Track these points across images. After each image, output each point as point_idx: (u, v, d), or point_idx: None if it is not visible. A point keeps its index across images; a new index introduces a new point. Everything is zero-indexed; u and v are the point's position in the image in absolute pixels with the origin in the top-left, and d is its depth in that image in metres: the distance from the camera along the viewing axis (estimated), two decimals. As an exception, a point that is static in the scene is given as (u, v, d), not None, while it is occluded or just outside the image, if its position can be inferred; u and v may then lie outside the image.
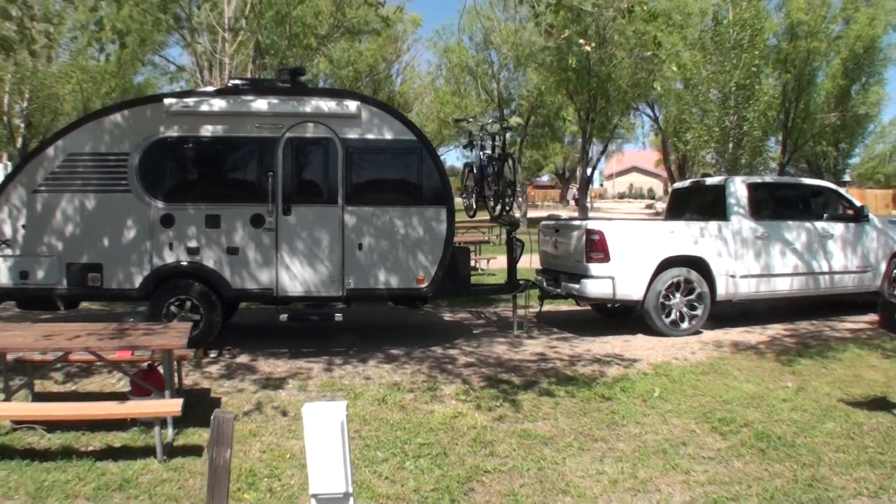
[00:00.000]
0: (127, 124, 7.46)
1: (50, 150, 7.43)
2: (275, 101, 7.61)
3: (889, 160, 48.31)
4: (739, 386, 6.67)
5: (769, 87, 24.16)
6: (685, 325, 8.82)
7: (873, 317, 9.47)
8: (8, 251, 7.35)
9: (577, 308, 10.62)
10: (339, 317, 7.79)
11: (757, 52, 17.51)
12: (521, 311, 9.36)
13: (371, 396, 6.25)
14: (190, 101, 7.53)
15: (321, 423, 3.09)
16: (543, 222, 10.56)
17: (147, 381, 5.41)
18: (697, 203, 10.30)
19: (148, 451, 4.86)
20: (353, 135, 7.71)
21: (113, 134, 7.44)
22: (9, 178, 7.53)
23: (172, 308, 7.49)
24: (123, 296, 7.60)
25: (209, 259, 7.50)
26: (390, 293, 7.97)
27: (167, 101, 7.52)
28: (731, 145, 17.38)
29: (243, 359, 7.41)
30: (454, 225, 8.11)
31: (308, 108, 7.63)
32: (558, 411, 5.96)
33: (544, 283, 9.68)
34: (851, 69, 28.68)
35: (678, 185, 11.26)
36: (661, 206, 46.18)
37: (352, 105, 7.69)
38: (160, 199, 7.47)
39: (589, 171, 34.80)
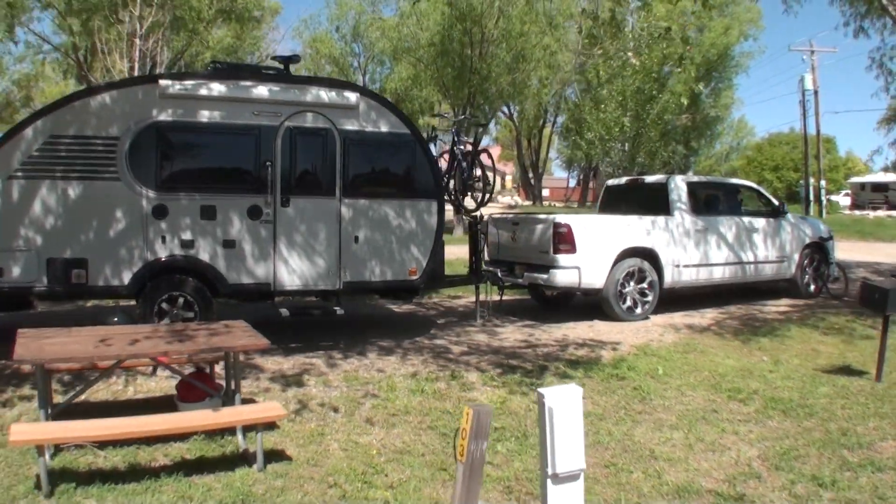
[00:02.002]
0: (117, 106, 6.85)
1: (28, 132, 6.62)
2: (276, 88, 7.34)
3: (726, 159, 53.46)
4: (724, 361, 7.39)
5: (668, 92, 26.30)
6: (638, 310, 9.53)
7: (794, 300, 10.79)
8: None
9: (517, 297, 11.17)
10: (340, 311, 7.66)
11: (654, 58, 18.94)
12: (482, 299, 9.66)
13: (405, 388, 6.29)
14: (188, 83, 7.07)
15: (561, 405, 3.23)
16: (494, 215, 10.93)
17: (193, 385, 5.13)
18: (634, 199, 11.06)
19: (225, 461, 4.63)
20: (350, 126, 7.61)
21: (101, 116, 6.79)
22: None
23: (164, 305, 7.02)
24: (111, 293, 7.05)
25: (204, 253, 7.11)
26: (385, 285, 7.98)
27: (163, 82, 7.00)
28: (627, 146, 18.67)
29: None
30: (444, 218, 8.24)
31: (308, 98, 7.43)
32: (588, 391, 6.31)
33: (499, 274, 10.05)
34: (704, 74, 31.44)
35: (612, 182, 12.02)
36: (517, 200, 48.16)
37: (352, 96, 7.60)
38: (152, 189, 6.94)
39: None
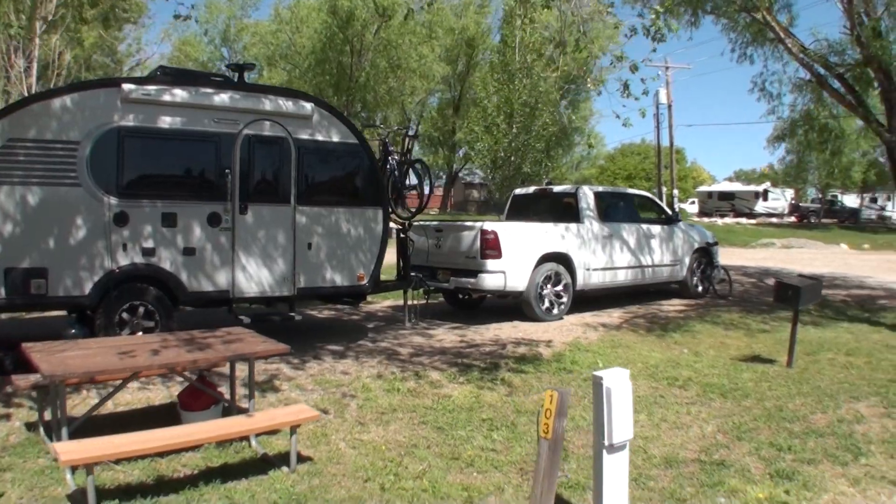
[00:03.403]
0: (78, 109, 6.64)
1: None
2: (236, 96, 7.39)
3: (576, 168, 56.62)
4: (650, 354, 8.27)
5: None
6: (555, 311, 10.33)
7: (685, 301, 12.05)
8: None
9: (430, 301, 11.70)
10: (298, 317, 7.80)
11: (541, 74, 20.09)
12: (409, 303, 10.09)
13: (379, 388, 6.61)
14: (151, 88, 6.97)
15: (616, 386, 3.78)
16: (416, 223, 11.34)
17: (198, 393, 5.19)
18: (542, 207, 11.90)
19: (250, 466, 4.75)
20: (304, 135, 7.80)
21: (61, 119, 6.56)
22: None
23: (125, 315, 6.88)
24: (72, 303, 6.77)
25: (165, 261, 7.04)
26: (336, 291, 8.20)
27: (126, 86, 6.86)
28: (512, 157, 19.67)
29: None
30: (388, 225, 8.58)
31: (266, 106, 7.54)
32: (545, 384, 6.92)
33: (421, 278, 10.50)
34: (564, 87, 33.40)
35: (519, 190, 12.80)
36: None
37: (307, 106, 7.79)
38: (113, 195, 6.80)
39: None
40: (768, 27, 9.47)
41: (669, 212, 12.45)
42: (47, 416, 5.14)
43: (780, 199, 47.67)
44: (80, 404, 5.75)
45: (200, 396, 5.16)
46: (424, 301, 10.52)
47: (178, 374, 5.18)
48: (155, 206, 7.00)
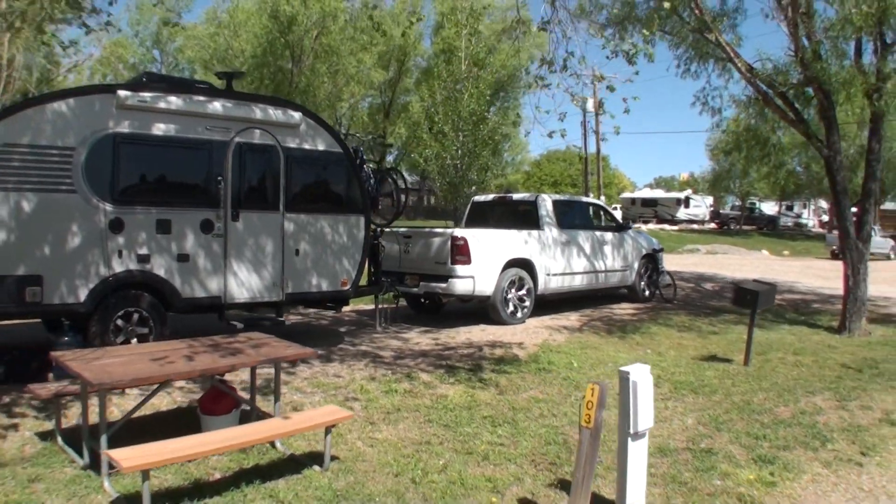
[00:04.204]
0: (73, 115, 6.59)
1: None
2: (228, 104, 7.47)
3: (502, 174, 57.70)
4: (617, 354, 8.76)
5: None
6: (519, 314, 10.74)
7: (633, 304, 12.66)
8: None
9: (393, 305, 11.96)
10: (288, 322, 7.91)
11: (488, 82, 20.54)
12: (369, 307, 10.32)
13: (377, 390, 6.83)
14: (146, 95, 6.97)
15: (641, 380, 4.18)
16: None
17: (220, 398, 5.30)
18: (501, 214, 12.32)
19: (280, 466, 4.89)
20: (292, 144, 7.95)
21: (56, 125, 6.50)
22: None
23: (119, 322, 6.86)
24: (68, 311, 6.66)
25: (160, 267, 7.06)
26: (321, 296, 8.36)
27: (122, 93, 6.84)
28: (459, 164, 20.06)
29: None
30: (370, 232, 8.80)
31: (257, 115, 7.65)
32: (529, 383, 7.29)
33: (391, 283, 10.75)
34: (493, 93, 34.04)
35: (478, 198, 13.19)
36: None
37: (295, 115, 7.93)
38: (108, 202, 6.78)
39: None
40: (719, 47, 10.16)
41: (620, 220, 13.07)
42: (62, 424, 5.17)
43: (700, 206, 49.96)
44: (73, 411, 5.75)
45: (222, 401, 5.25)
46: (394, 305, 10.76)
47: (215, 378, 5.25)
48: (150, 212, 7.02)
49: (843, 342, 10.15)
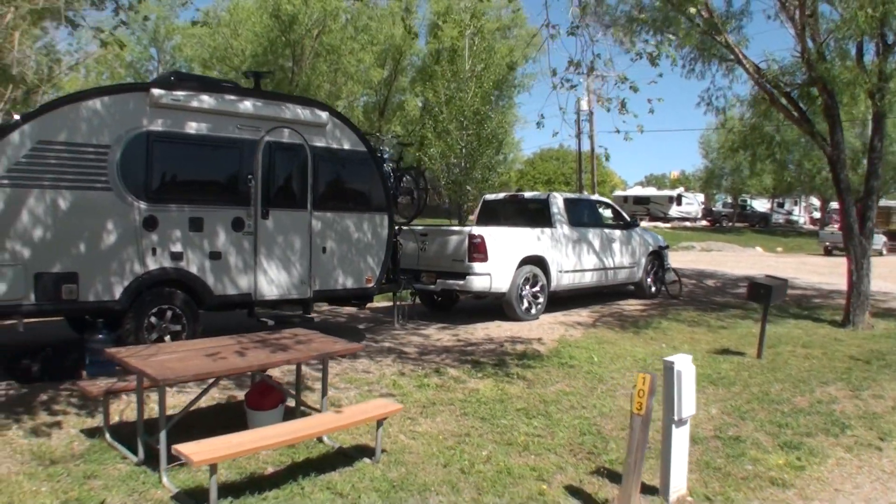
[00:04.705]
0: (108, 113, 6.65)
1: (14, 136, 6.20)
2: (259, 103, 7.59)
3: (507, 172, 58.02)
4: (634, 349, 8.95)
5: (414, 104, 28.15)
6: (533, 311, 10.94)
7: (640, 300, 12.87)
8: None
9: (410, 303, 12.13)
10: (316, 319, 8.05)
11: (491, 81, 20.72)
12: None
13: (409, 385, 6.98)
14: (180, 93, 7.05)
15: (685, 369, 4.37)
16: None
17: (267, 393, 5.41)
18: (513, 212, 12.50)
19: (331, 459, 5.00)
20: (319, 143, 8.08)
21: (92, 123, 6.55)
22: None
23: (153, 319, 6.97)
24: (102, 308, 6.72)
25: (193, 265, 7.17)
26: (347, 293, 8.50)
27: (155, 91, 6.91)
28: (463, 162, 20.24)
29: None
30: (394, 230, 8.95)
31: (286, 114, 7.78)
32: (555, 377, 7.47)
33: (408, 281, 10.92)
34: (487, 93, 34.26)
35: (489, 196, 13.36)
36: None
37: (323, 114, 8.07)
38: (143, 200, 6.87)
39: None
40: (728, 48, 10.38)
41: (627, 217, 13.29)
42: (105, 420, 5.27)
43: (693, 204, 50.37)
44: (125, 408, 5.87)
45: (268, 396, 5.37)
46: (412, 302, 10.91)
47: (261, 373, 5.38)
48: (183, 210, 7.13)
49: (848, 335, 10.40)
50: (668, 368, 4.45)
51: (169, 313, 7.09)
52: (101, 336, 6.75)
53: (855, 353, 9.09)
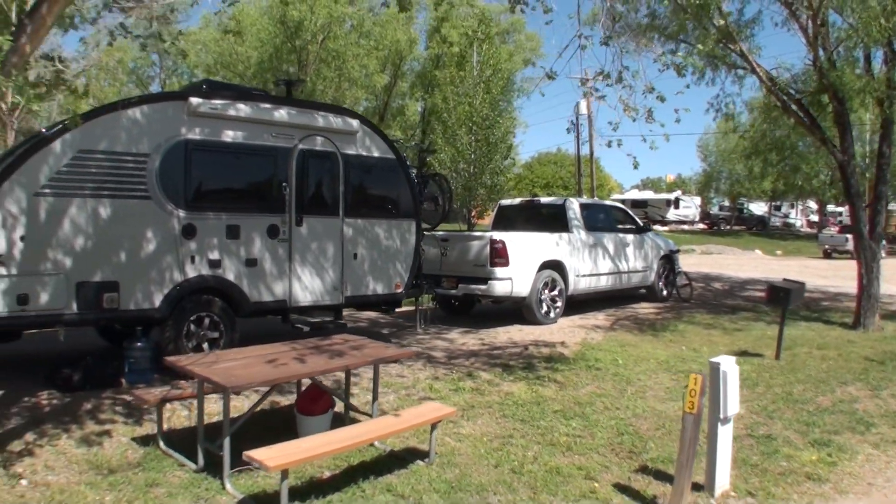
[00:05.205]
0: (147, 122, 6.76)
1: (56, 145, 6.28)
2: (292, 111, 7.76)
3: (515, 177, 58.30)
4: (655, 351, 9.14)
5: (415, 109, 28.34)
6: (552, 314, 11.12)
7: (652, 304, 13.06)
8: (1, 270, 6.00)
9: (432, 307, 12.30)
10: (348, 324, 8.21)
11: (500, 87, 20.95)
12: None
13: (444, 388, 7.14)
14: (217, 102, 7.19)
15: (730, 370, 4.58)
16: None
17: (318, 398, 5.53)
18: (528, 217, 12.69)
19: (384, 462, 5.12)
20: (350, 150, 8.25)
21: (131, 131, 6.66)
22: (1, 176, 6.11)
23: (191, 327, 7.10)
24: (143, 317, 6.82)
25: (230, 272, 7.31)
26: (377, 299, 8.66)
27: (193, 100, 7.04)
28: (472, 167, 20.45)
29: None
30: (421, 236, 9.12)
31: (319, 122, 7.94)
32: (584, 380, 7.64)
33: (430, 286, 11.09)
34: (496, 98, 34.52)
35: (505, 202, 13.56)
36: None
37: (354, 122, 8.25)
38: (182, 208, 7.00)
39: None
40: (742, 57, 10.60)
41: (640, 222, 13.51)
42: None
43: (690, 207, 50.72)
44: (171, 416, 5.98)
45: (319, 401, 5.48)
46: (433, 307, 11.09)
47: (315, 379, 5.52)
48: (220, 218, 7.25)
49: (860, 337, 10.62)
50: (715, 369, 4.63)
51: (207, 321, 7.21)
52: (139, 344, 6.87)
53: (869, 354, 9.30)
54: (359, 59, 26.46)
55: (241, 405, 6.26)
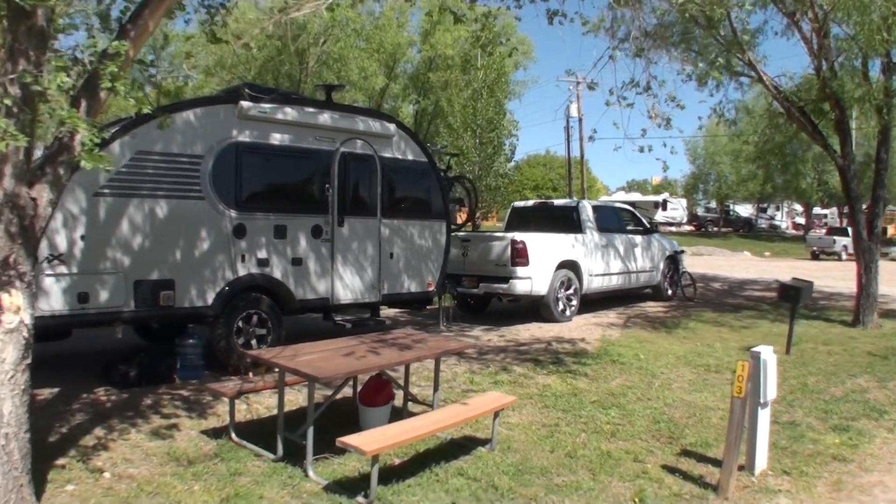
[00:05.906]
0: (200, 124, 7.02)
1: (115, 146, 6.44)
2: (335, 115, 8.11)
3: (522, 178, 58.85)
4: (672, 347, 9.58)
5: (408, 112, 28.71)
6: (567, 313, 11.55)
7: (658, 303, 13.54)
8: (62, 269, 6.14)
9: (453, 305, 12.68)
10: (388, 321, 8.57)
11: (504, 90, 21.38)
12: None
13: (485, 382, 7.51)
14: (266, 106, 7.47)
15: (770, 358, 5.04)
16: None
17: (381, 389, 5.81)
18: (541, 219, 13.10)
19: (446, 449, 5.44)
20: (387, 154, 8.63)
21: (185, 133, 6.91)
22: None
23: (241, 324, 7.38)
24: (197, 314, 7.07)
25: (277, 271, 7.62)
26: (411, 297, 9.04)
27: (244, 103, 7.30)
28: (477, 169, 20.86)
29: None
30: (451, 237, 9.51)
31: (359, 126, 8.30)
32: (611, 373, 8.06)
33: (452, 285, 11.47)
34: (500, 102, 34.95)
35: (518, 203, 13.99)
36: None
37: (391, 127, 8.63)
38: (233, 208, 7.28)
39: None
40: (750, 66, 11.11)
41: (647, 224, 13.99)
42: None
43: (678, 209, 51.51)
44: (218, 409, 6.23)
45: (381, 392, 5.77)
46: (454, 305, 11.49)
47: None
48: (268, 218, 7.57)
49: (860, 334, 11.15)
50: (755, 357, 5.05)
51: (255, 318, 7.50)
52: (191, 341, 7.14)
53: (871, 349, 9.80)
54: (358, 61, 26.77)
55: (295, 399, 6.60)
